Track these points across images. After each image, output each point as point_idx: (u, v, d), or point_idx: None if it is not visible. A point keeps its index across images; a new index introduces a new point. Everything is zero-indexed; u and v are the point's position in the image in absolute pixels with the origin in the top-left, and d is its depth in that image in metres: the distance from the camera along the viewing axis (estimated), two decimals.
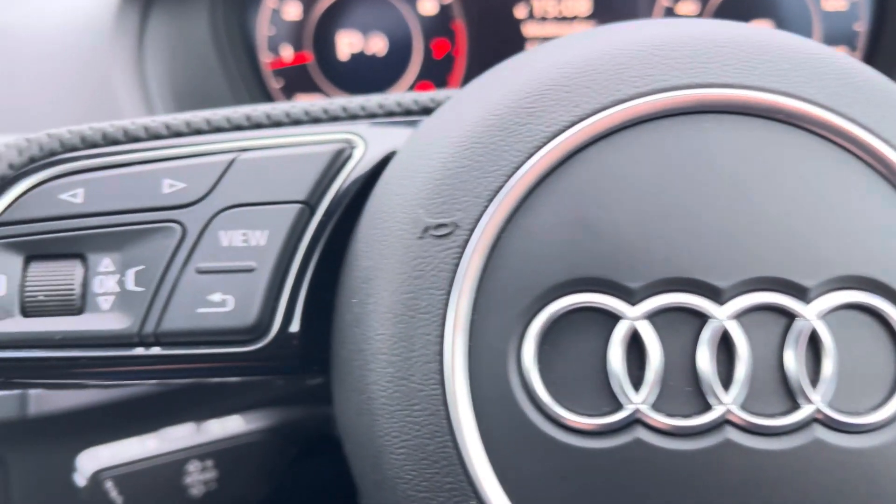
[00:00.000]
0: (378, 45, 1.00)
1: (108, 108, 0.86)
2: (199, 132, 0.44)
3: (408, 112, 0.47)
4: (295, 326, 0.41)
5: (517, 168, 0.34)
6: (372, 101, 0.46)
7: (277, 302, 0.41)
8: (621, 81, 0.35)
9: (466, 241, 0.34)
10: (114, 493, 0.59)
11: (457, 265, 0.34)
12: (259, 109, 0.45)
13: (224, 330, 0.40)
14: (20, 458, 0.84)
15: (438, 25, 1.00)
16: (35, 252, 0.40)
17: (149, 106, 0.89)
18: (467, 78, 1.01)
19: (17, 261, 0.40)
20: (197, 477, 0.63)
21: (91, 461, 0.60)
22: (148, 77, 0.90)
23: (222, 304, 0.40)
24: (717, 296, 0.33)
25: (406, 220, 0.35)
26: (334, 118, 0.46)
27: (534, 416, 0.33)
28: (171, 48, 0.93)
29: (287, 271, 0.41)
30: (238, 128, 0.44)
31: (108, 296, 0.40)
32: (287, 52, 1.00)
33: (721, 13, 0.98)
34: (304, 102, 0.46)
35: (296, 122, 0.45)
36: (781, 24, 0.98)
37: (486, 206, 0.34)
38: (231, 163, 0.42)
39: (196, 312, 0.40)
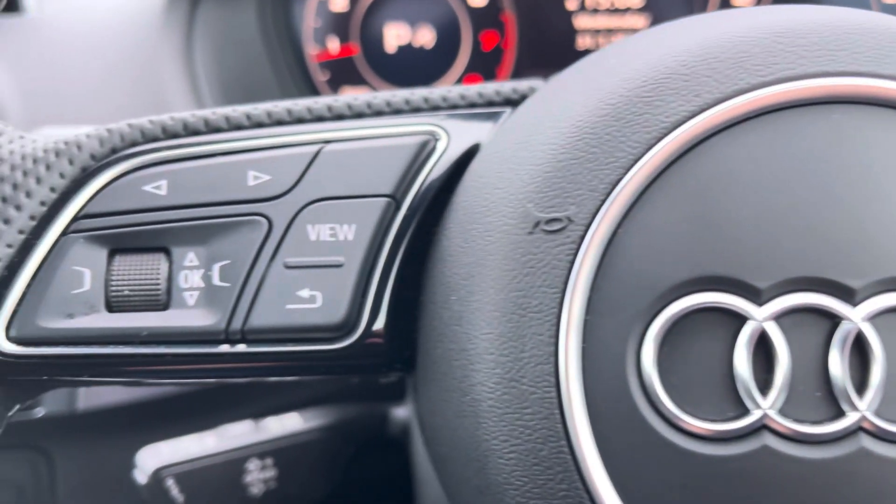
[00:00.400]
0: (426, 38, 0.99)
1: (156, 100, 0.85)
2: (280, 123, 0.43)
3: (490, 103, 0.45)
4: (380, 324, 0.39)
5: (636, 160, 0.32)
6: (454, 91, 0.45)
7: (364, 298, 0.39)
8: (744, 70, 0.33)
9: (582, 237, 0.32)
10: (175, 491, 0.58)
11: (571, 262, 0.32)
12: (340, 100, 0.44)
13: (312, 327, 0.39)
14: (67, 453, 0.84)
15: (488, 17, 0.98)
16: (119, 245, 0.39)
17: (197, 97, 0.88)
18: (516, 70, 0.99)
19: (101, 254, 0.39)
20: (257, 475, 0.62)
21: (151, 458, 0.59)
22: (196, 68, 0.89)
23: (311, 301, 0.39)
24: (850, 296, 0.31)
25: (513, 214, 0.34)
26: (416, 109, 0.44)
27: (654, 420, 0.31)
28: (219, 39, 0.92)
29: (373, 267, 0.40)
30: (319, 119, 0.43)
31: (193, 291, 0.39)
32: (333, 44, 0.99)
33: (778, 4, 0.96)
34: (386, 93, 0.44)
35: (377, 112, 0.44)
36: None
37: (603, 200, 0.32)
38: (316, 155, 0.41)
39: (285, 309, 0.38)
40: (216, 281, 0.39)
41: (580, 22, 0.98)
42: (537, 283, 0.32)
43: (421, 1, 0.98)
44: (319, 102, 0.43)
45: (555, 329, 0.32)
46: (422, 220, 0.41)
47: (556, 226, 0.33)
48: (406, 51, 0.99)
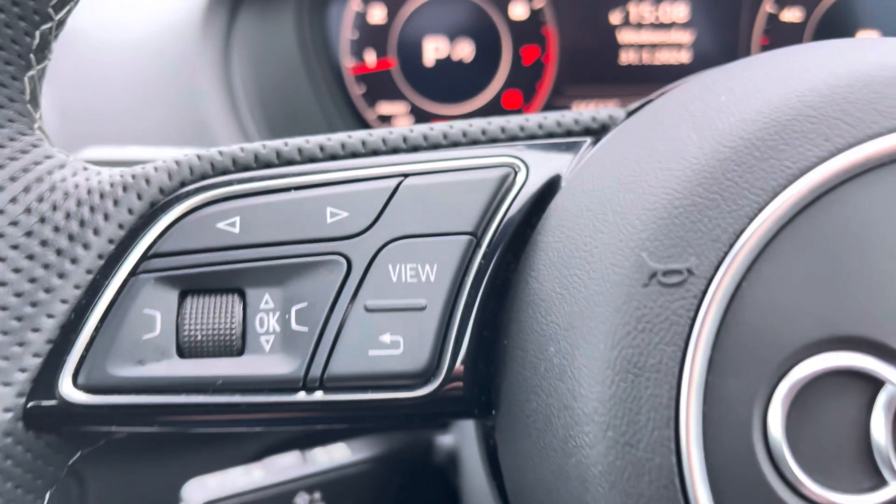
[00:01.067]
0: (465, 51, 0.97)
1: (194, 113, 0.83)
2: (354, 155, 0.41)
3: (568, 132, 0.43)
4: (460, 369, 0.37)
5: (761, 208, 0.30)
6: (531, 121, 0.43)
7: (445, 343, 0.37)
8: (878, 112, 0.31)
9: (703, 291, 0.30)
10: None
11: (692, 318, 0.30)
12: (416, 130, 0.41)
13: (394, 374, 0.37)
14: (99, 477, 0.82)
15: (529, 30, 0.96)
16: (190, 286, 0.37)
17: (234, 109, 0.86)
18: (556, 86, 0.97)
19: (171, 296, 0.36)
20: None
21: (199, 492, 0.57)
22: (234, 80, 0.87)
23: (394, 346, 0.36)
24: None
25: (624, 263, 0.32)
26: (492, 139, 0.42)
27: (783, 491, 0.29)
28: (256, 53, 0.90)
29: (454, 308, 0.38)
30: (394, 150, 0.41)
31: (269, 335, 0.36)
32: (370, 58, 0.97)
33: (826, 21, 0.94)
34: (462, 123, 0.42)
35: (454, 143, 0.42)
36: (888, 35, 0.94)
37: (727, 252, 0.30)
38: (395, 190, 0.39)
39: (367, 355, 0.36)
40: (294, 325, 0.36)
41: (623, 36, 0.95)
42: (655, 340, 0.30)
43: (460, 14, 0.96)
44: (394, 133, 0.41)
45: (675, 391, 0.30)
46: (501, 257, 0.39)
47: (676, 278, 0.30)
48: (444, 64, 0.97)
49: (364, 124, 0.99)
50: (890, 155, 0.30)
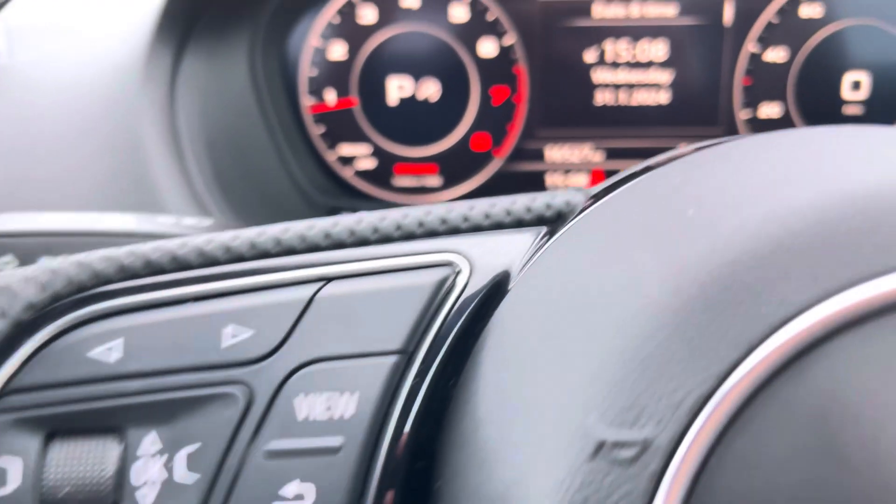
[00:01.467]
0: (431, 90, 0.91)
1: (133, 159, 0.77)
2: (265, 255, 0.35)
3: (519, 223, 0.38)
4: None
5: (734, 366, 0.24)
6: (476, 210, 0.37)
7: (366, 489, 0.31)
8: (875, 247, 0.25)
9: (663, 469, 0.24)
10: None
11: (649, 502, 0.24)
12: (340, 224, 0.36)
13: None
14: None
15: (498, 69, 0.90)
16: (57, 427, 0.31)
17: (179, 156, 0.80)
18: (528, 128, 0.92)
19: (34, 441, 0.30)
20: None
21: None
22: (179, 123, 0.81)
23: (299, 499, 0.31)
24: None
25: (567, 426, 0.26)
26: (431, 233, 0.37)
27: None
28: (204, 92, 0.84)
29: (377, 446, 0.32)
30: (314, 248, 0.35)
31: (152, 486, 0.31)
32: (331, 96, 0.91)
33: (811, 61, 0.89)
34: (396, 213, 0.37)
35: (385, 238, 0.36)
36: (878, 77, 0.89)
37: (692, 420, 0.24)
38: (310, 301, 0.33)
39: None
40: (180, 473, 0.31)
41: (599, 76, 0.90)
42: None
43: (426, 51, 0.90)
44: (315, 228, 0.36)
45: None
46: (438, 374, 0.33)
47: (628, 452, 0.25)
48: (409, 104, 0.91)
49: (324, 166, 0.93)
50: (893, 301, 0.24)
